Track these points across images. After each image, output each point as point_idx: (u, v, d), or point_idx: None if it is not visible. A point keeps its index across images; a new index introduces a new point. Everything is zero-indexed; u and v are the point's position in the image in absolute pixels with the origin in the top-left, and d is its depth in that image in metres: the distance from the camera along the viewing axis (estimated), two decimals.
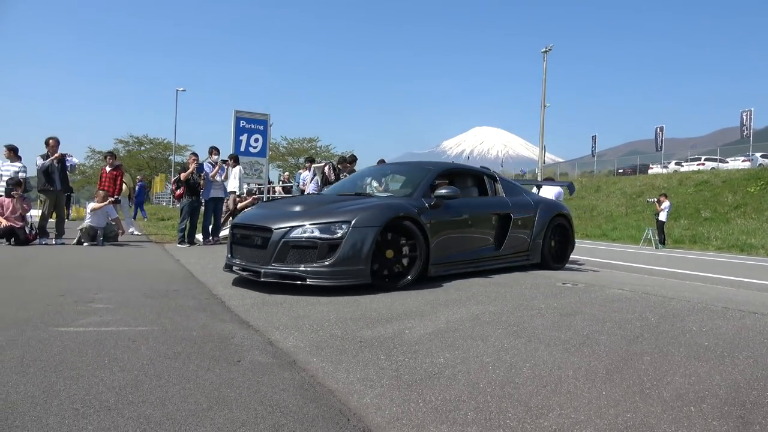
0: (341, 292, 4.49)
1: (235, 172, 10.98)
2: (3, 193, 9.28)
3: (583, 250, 13.64)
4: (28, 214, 9.29)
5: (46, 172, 9.10)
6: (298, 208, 4.86)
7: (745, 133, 34.68)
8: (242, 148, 12.11)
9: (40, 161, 9.10)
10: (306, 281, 4.33)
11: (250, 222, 4.90)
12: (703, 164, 33.70)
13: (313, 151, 49.33)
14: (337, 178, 10.76)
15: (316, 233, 4.40)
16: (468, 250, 5.61)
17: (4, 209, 8.69)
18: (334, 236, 4.37)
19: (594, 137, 44.18)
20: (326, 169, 10.73)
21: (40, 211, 9.59)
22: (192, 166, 9.77)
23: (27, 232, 8.84)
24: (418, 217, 4.86)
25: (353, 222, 4.42)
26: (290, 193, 16.10)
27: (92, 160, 51.78)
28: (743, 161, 31.94)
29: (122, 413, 1.91)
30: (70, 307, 3.64)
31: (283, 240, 4.44)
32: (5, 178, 9.44)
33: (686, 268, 9.45)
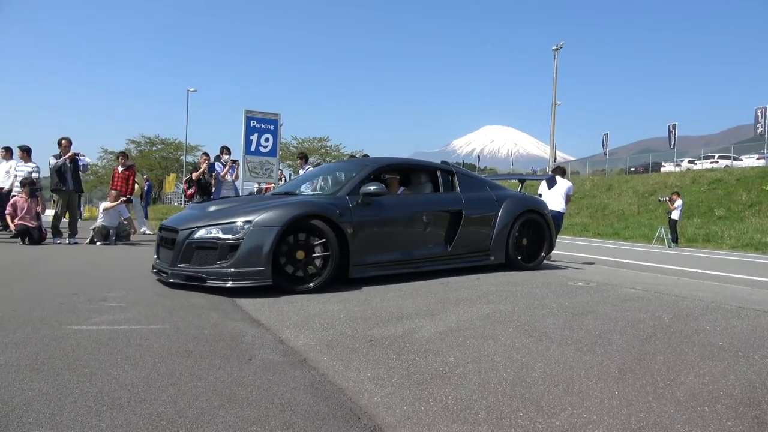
0: (351, 291, 4.49)
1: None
2: (16, 193, 9.40)
3: (594, 249, 13.55)
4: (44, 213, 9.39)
5: (58, 172, 9.20)
6: (214, 208, 4.85)
7: (759, 131, 34.24)
8: (253, 148, 12.14)
9: (53, 161, 9.19)
10: (206, 282, 4.31)
11: (167, 223, 4.94)
12: (717, 162, 33.35)
13: (323, 150, 49.43)
14: None
15: (219, 234, 4.37)
16: (407, 250, 5.28)
17: (18, 209, 8.80)
18: (235, 237, 4.30)
19: (605, 135, 43.85)
20: None
21: (53, 211, 9.70)
22: (203, 166, 9.83)
23: (41, 231, 8.94)
24: (331, 216, 4.62)
25: (254, 222, 4.34)
26: None
27: (105, 161, 52.25)
28: (758, 159, 31.57)
29: (135, 411, 1.92)
30: (84, 306, 3.67)
31: (187, 241, 4.46)
32: (19, 179, 9.55)
33: (700, 267, 9.35)
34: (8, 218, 9.05)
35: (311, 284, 4.49)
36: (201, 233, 4.43)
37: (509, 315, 3.65)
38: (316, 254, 4.58)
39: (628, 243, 17.49)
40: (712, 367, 2.57)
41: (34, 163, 10.09)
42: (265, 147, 12.41)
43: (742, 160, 33.10)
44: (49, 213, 10.94)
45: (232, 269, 4.26)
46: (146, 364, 2.45)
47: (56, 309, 3.56)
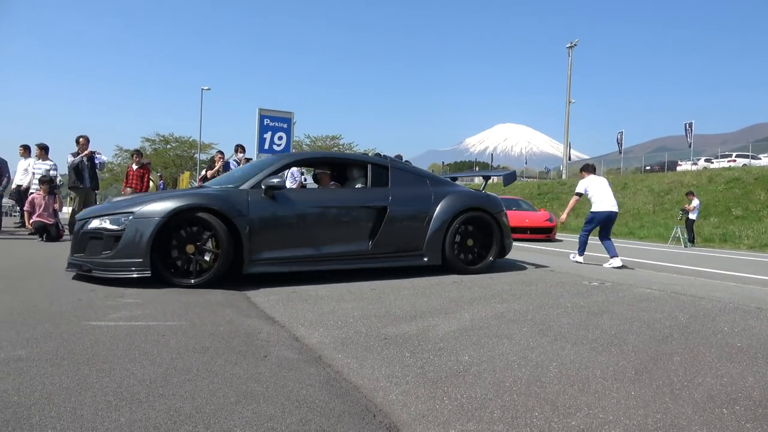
0: (364, 289, 4.51)
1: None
2: (34, 191, 9.54)
3: None
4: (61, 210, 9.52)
5: (76, 170, 9.32)
6: (122, 199, 4.89)
7: None
8: (266, 146, 12.22)
9: (70, 159, 9.32)
10: (92, 272, 4.36)
11: (80, 215, 4.97)
12: (734, 161, 32.88)
13: (336, 148, 49.51)
14: None
15: (106, 224, 4.41)
16: (318, 246, 5.02)
17: (36, 206, 8.93)
18: (118, 227, 4.34)
19: (620, 133, 43.41)
20: None
21: (70, 208, 9.83)
22: (218, 164, 9.91)
23: (59, 228, 9.07)
24: (221, 209, 4.50)
25: (135, 213, 4.35)
26: None
27: (120, 158, 52.80)
28: None
29: (153, 406, 1.95)
30: (101, 302, 3.72)
31: (81, 231, 4.53)
32: (37, 176, 9.70)
33: (717, 267, 9.23)
34: (26, 215, 9.20)
35: (192, 280, 4.43)
36: (94, 224, 4.48)
37: (523, 314, 3.64)
38: (208, 248, 4.54)
39: (643, 242, 17.32)
40: (730, 368, 2.54)
41: (51, 160, 10.23)
42: (279, 145, 12.48)
43: (760, 158, 32.60)
44: (66, 210, 11.08)
45: (114, 260, 4.30)
46: (164, 360, 2.48)
47: (75, 305, 3.61)
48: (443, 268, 5.56)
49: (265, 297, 4.13)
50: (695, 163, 35.54)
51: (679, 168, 35.46)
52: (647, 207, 25.44)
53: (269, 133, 12.35)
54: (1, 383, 2.12)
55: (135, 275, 4.27)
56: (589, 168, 8.47)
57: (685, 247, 15.71)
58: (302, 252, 4.94)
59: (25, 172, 10.45)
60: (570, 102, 39.89)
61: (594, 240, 8.09)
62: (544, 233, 14.67)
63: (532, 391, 2.22)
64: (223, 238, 4.48)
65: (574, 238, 8.63)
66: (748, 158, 33.01)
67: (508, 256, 6.79)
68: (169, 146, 55.07)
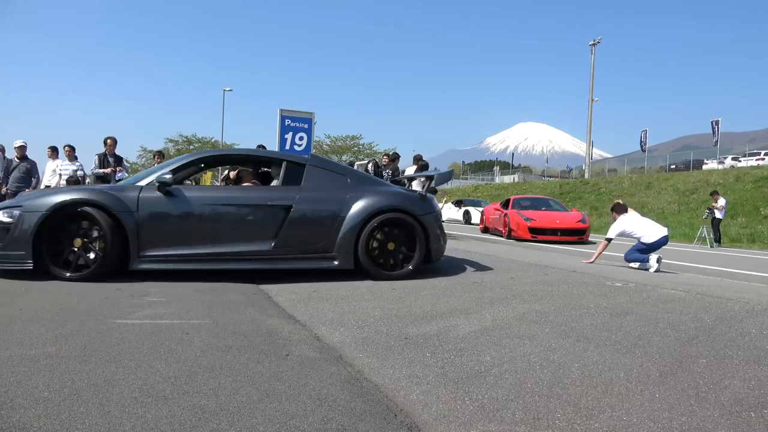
0: (385, 289, 4.52)
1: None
2: None
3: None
4: None
5: (101, 178, 9.49)
6: (26, 194, 5.01)
7: None
8: (287, 146, 12.31)
9: (96, 161, 9.49)
10: None
11: None
12: (763, 159, 32.12)
13: (356, 148, 49.62)
14: (379, 175, 10.81)
15: (3, 217, 4.52)
16: (214, 244, 4.87)
17: None
18: (10, 220, 4.46)
19: (644, 132, 42.71)
20: (369, 166, 10.80)
21: None
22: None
23: None
24: (106, 204, 4.54)
25: (23, 206, 4.48)
26: None
27: (144, 159, 53.66)
28: None
29: (178, 403, 1.98)
30: (127, 301, 3.80)
31: None
32: (65, 177, 9.91)
33: (744, 267, 9.03)
34: None
35: (67, 273, 4.51)
36: None
37: (545, 315, 3.61)
38: (94, 244, 4.58)
39: (668, 243, 17.03)
40: (758, 371, 2.49)
41: (78, 161, 10.44)
42: (300, 145, 12.56)
43: None
44: None
45: (4, 251, 4.45)
46: (188, 358, 2.52)
47: (101, 303, 3.68)
48: (358, 272, 5.14)
49: (286, 296, 4.16)
50: (722, 162, 34.81)
51: (704, 167, 34.76)
52: (672, 207, 24.99)
53: (290, 134, 12.43)
54: (32, 379, 2.18)
55: (18, 267, 4.43)
56: (620, 208, 7.71)
57: (711, 247, 15.40)
58: (196, 250, 4.85)
59: (53, 173, 10.69)
60: (593, 100, 39.38)
61: (620, 242, 7.91)
62: (577, 235, 13.48)
63: (554, 393, 2.20)
64: (107, 233, 4.53)
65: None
66: None
67: (530, 259, 6.73)
68: (192, 147, 55.77)
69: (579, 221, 13.83)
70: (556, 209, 15.42)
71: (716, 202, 16.03)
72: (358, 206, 5.16)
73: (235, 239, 4.94)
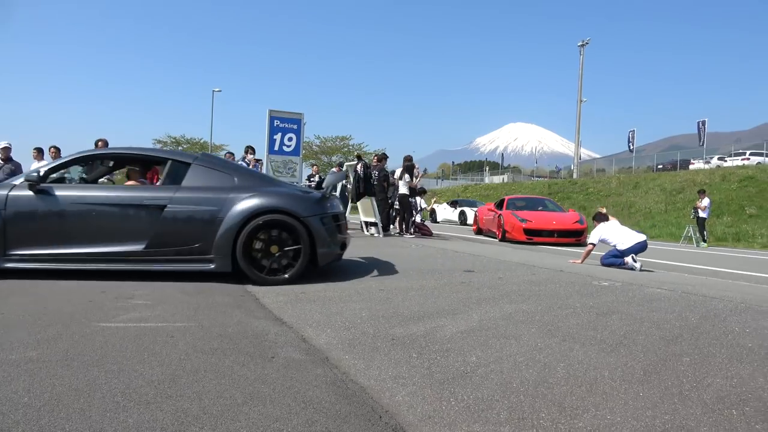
0: (372, 290, 4.51)
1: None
2: None
3: None
4: None
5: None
6: None
7: None
8: (276, 147, 12.27)
9: None
10: None
11: None
12: (748, 159, 32.47)
13: (346, 149, 49.58)
14: (368, 176, 10.81)
15: None
16: (84, 244, 4.77)
17: None
18: None
19: (632, 132, 43.05)
20: (358, 166, 10.79)
21: None
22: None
23: None
24: None
25: None
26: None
27: None
28: None
29: (161, 407, 1.96)
30: (111, 303, 3.76)
31: None
32: None
33: (729, 266, 9.13)
34: None
35: None
36: None
37: (532, 315, 3.63)
38: None
39: (654, 242, 17.16)
40: (740, 369, 2.52)
41: None
42: (289, 146, 12.53)
43: None
44: None
45: None
46: (172, 361, 2.50)
47: (85, 306, 3.64)
48: (237, 276, 4.91)
49: (273, 298, 4.14)
50: (708, 162, 35.17)
51: (691, 167, 35.10)
52: (659, 206, 25.20)
53: (279, 134, 12.40)
54: (12, 384, 2.15)
55: None
56: (600, 217, 8.08)
57: (697, 246, 15.55)
58: (67, 249, 4.76)
59: None
60: (581, 101, 39.65)
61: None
62: (574, 236, 12.85)
63: (540, 392, 2.21)
64: None
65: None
66: (763, 156, 32.59)
67: (518, 259, 6.76)
68: (180, 148, 55.49)
69: (576, 222, 13.30)
70: (552, 210, 14.90)
71: (700, 201, 16.21)
72: (238, 207, 4.91)
73: (107, 239, 4.82)
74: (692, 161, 36.63)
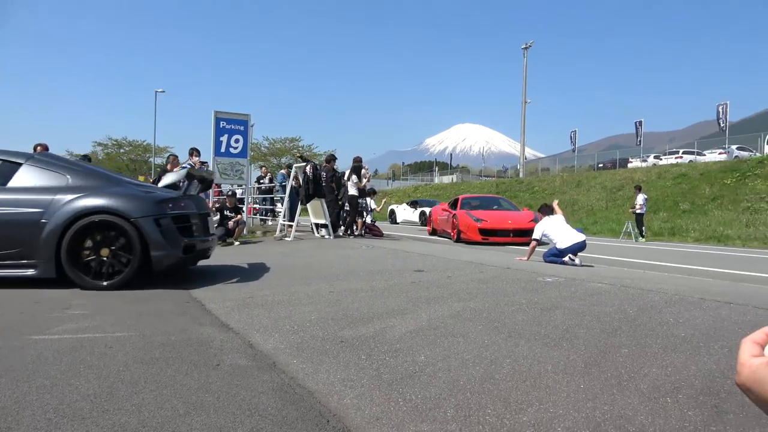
0: (322, 292, 4.48)
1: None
2: None
3: None
4: None
5: None
6: None
7: (721, 126, 35.26)
8: (223, 149, 12.00)
9: None
10: None
11: None
12: (681, 157, 34.16)
13: (296, 150, 49.09)
14: (317, 177, 10.73)
15: None
16: None
17: None
18: None
19: (574, 132, 44.56)
20: (308, 168, 10.69)
21: None
22: (177, 170, 9.67)
23: None
24: None
25: None
26: (269, 194, 15.99)
27: None
28: (720, 154, 32.46)
29: (97, 422, 1.87)
30: (45, 314, 3.57)
31: None
32: None
33: (665, 260, 9.58)
34: None
35: None
36: None
37: (479, 312, 3.68)
38: None
39: (596, 238, 17.82)
40: (674, 358, 2.63)
41: None
42: (236, 148, 12.28)
43: (705, 155, 33.99)
44: None
45: None
46: (110, 373, 2.39)
47: (17, 319, 3.45)
48: (63, 282, 4.64)
49: (220, 303, 4.05)
50: (645, 160, 36.80)
51: (630, 165, 36.64)
52: (600, 203, 26.20)
53: (225, 136, 12.13)
54: None
55: None
56: (545, 210, 8.19)
57: (636, 241, 16.24)
58: None
59: None
60: (526, 102, 40.72)
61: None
62: (530, 235, 12.84)
63: (486, 389, 2.24)
64: None
65: None
66: (694, 155, 34.38)
67: (467, 258, 6.85)
68: (122, 150, 53.50)
69: (531, 221, 12.72)
70: (506, 209, 14.56)
71: (635, 198, 16.97)
72: (64, 209, 4.66)
73: None
74: (630, 160, 38.23)
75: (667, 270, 7.44)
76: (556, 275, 5.49)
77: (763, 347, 0.55)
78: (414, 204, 25.93)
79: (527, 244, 12.35)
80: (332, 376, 2.43)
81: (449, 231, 13.93)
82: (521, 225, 12.79)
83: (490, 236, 12.39)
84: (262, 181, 16.52)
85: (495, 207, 14.58)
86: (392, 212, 27.14)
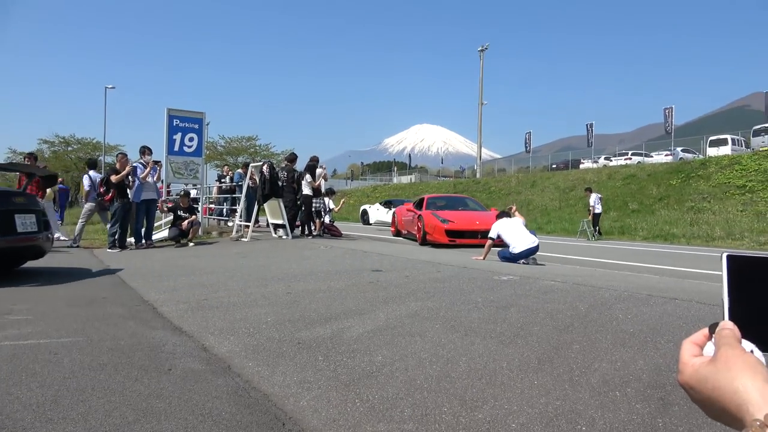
0: (279, 293, 4.42)
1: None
2: None
3: None
4: None
5: None
6: None
7: (667, 129, 36.74)
8: (176, 148, 11.71)
9: None
10: None
11: None
12: (630, 159, 35.41)
13: (253, 149, 48.36)
14: (274, 177, 10.60)
15: None
16: None
17: None
18: None
19: (528, 134, 45.57)
20: (264, 168, 10.54)
21: None
22: (128, 168, 9.36)
23: None
24: None
25: None
26: (231, 193, 15.69)
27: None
28: (666, 155, 33.83)
29: None
30: None
31: None
32: None
33: (615, 258, 9.90)
34: None
35: None
36: None
37: (436, 311, 3.71)
38: None
39: (550, 237, 18.27)
40: (623, 353, 2.72)
41: None
42: (190, 147, 12.00)
43: (652, 156, 35.35)
44: None
45: None
46: (54, 381, 2.29)
47: None
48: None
49: (172, 306, 3.94)
50: (596, 161, 37.98)
51: (582, 166, 37.74)
52: (554, 203, 26.88)
53: (179, 134, 11.83)
54: None
55: None
56: (502, 213, 8.47)
57: (590, 239, 16.73)
58: None
59: None
60: (482, 104, 41.34)
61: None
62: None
63: (442, 387, 2.26)
64: None
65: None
66: (642, 156, 35.70)
67: (425, 257, 6.86)
68: (70, 148, 51.44)
69: None
70: (474, 209, 13.74)
71: (588, 198, 17.56)
72: None
73: None
74: (582, 161, 39.39)
75: (616, 268, 7.69)
76: (512, 274, 5.59)
77: (702, 348, 0.57)
78: (388, 204, 24.24)
79: (497, 246, 11.19)
80: (288, 378, 2.40)
81: (414, 232, 13.25)
82: (489, 226, 11.97)
83: (458, 238, 11.59)
84: (223, 180, 16.18)
85: (462, 207, 13.77)
86: (364, 213, 25.95)
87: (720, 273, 0.58)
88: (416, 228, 12.92)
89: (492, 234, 7.97)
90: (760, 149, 25.58)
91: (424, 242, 11.99)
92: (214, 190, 16.47)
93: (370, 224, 24.28)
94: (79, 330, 3.20)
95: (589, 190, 17.94)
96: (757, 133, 29.72)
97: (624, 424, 1.91)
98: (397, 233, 15.13)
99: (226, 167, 19.06)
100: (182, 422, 1.89)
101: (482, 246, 10.86)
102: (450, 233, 11.57)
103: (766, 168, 21.24)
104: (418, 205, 13.84)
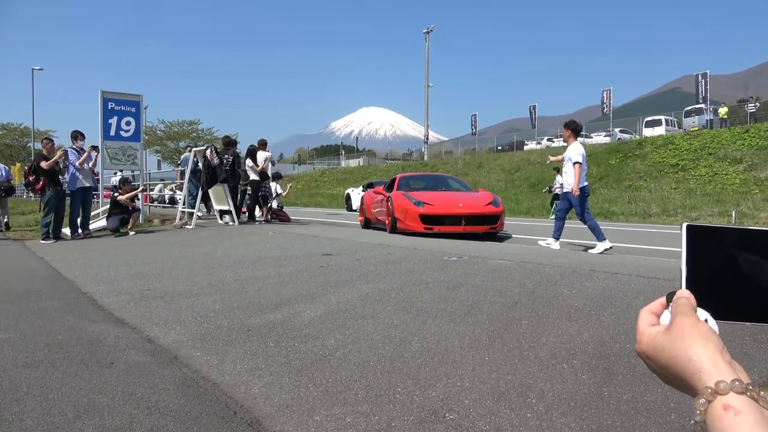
0: (226, 281, 4.32)
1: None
2: None
3: None
4: None
5: None
6: None
7: (605, 110, 38.09)
8: (112, 132, 11.18)
9: None
10: None
11: None
12: None
13: (195, 134, 46.88)
14: (220, 162, 10.31)
15: None
16: None
17: None
18: None
19: (474, 116, 46.22)
20: (207, 152, 10.23)
21: None
22: (59, 154, 8.86)
23: None
24: None
25: None
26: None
27: None
28: (605, 136, 35.11)
29: None
30: None
31: None
32: None
33: (562, 236, 10.21)
34: None
35: None
36: None
37: (388, 293, 3.72)
38: None
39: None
40: (569, 327, 2.80)
41: None
42: (127, 131, 11.50)
43: (592, 137, 36.63)
44: None
45: None
46: None
47: None
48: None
49: (113, 297, 3.78)
50: (539, 143, 39.00)
51: (526, 147, 38.68)
52: (500, 184, 27.47)
53: (115, 118, 11.30)
54: None
55: None
56: (572, 125, 7.52)
57: (549, 217, 17.20)
58: None
59: None
60: (428, 86, 41.56)
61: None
62: (487, 224, 9.33)
63: (396, 368, 2.26)
64: None
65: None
66: (583, 137, 36.94)
67: (375, 240, 6.86)
68: None
69: (489, 204, 9.69)
70: (457, 189, 11.23)
71: (554, 180, 18.05)
72: None
73: None
74: (526, 143, 40.36)
75: (562, 245, 7.94)
76: (461, 254, 5.67)
77: (659, 317, 0.57)
78: (370, 187, 20.65)
79: (484, 233, 9.38)
80: (239, 366, 2.34)
81: (384, 220, 10.49)
82: (476, 209, 9.47)
83: (436, 225, 9.09)
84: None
85: (442, 188, 11.19)
86: (348, 198, 23.92)
87: (674, 248, 0.58)
88: (386, 213, 10.31)
89: (578, 158, 7.33)
90: (691, 129, 26.95)
91: (393, 230, 9.59)
92: (177, 175, 15.79)
93: (354, 210, 21.54)
94: (11, 326, 3.02)
95: (557, 170, 18.44)
96: (688, 114, 31.29)
97: (572, 394, 1.97)
98: (366, 223, 11.93)
99: (188, 148, 18.25)
100: (127, 417, 1.82)
101: (467, 235, 9.08)
102: (426, 219, 9.10)
103: (696, 147, 22.42)
104: (389, 186, 11.25)
